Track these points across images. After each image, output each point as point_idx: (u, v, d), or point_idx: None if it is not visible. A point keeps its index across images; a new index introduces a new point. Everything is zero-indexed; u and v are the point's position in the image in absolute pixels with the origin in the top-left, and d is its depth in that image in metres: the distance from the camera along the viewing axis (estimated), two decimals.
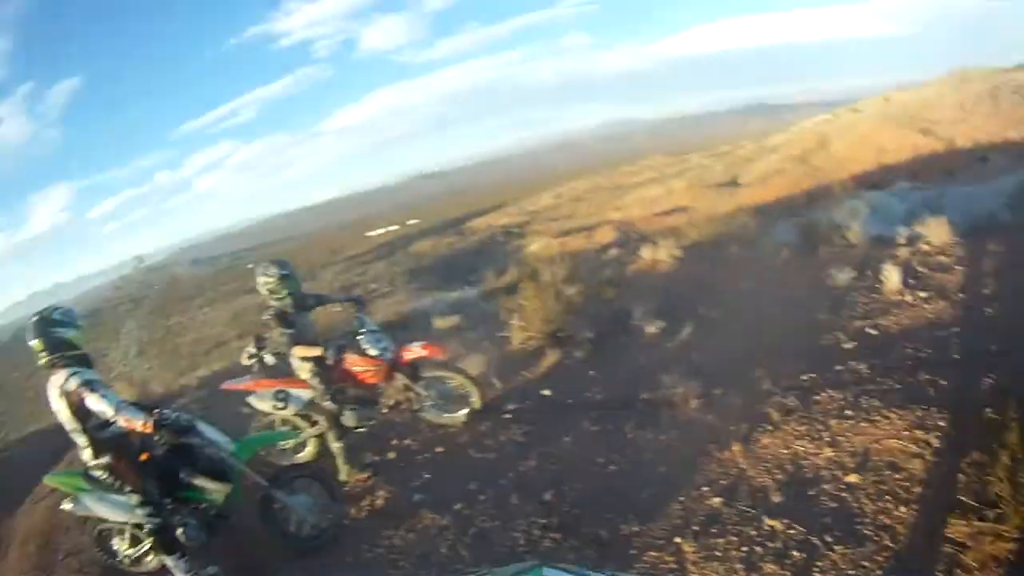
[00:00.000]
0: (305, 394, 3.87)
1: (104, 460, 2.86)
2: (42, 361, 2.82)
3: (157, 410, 2.75)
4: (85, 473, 3.08)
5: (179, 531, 2.95)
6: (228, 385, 4.27)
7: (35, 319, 2.85)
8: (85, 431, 2.82)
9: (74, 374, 2.71)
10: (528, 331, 5.13)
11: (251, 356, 6.37)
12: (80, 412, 2.75)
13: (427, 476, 3.57)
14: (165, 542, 2.90)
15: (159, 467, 2.98)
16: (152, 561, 3.27)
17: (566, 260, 6.35)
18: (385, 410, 4.07)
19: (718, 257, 6.17)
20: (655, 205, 16.46)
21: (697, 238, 6.89)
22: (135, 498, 2.88)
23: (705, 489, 2.83)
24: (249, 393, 4.05)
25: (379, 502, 3.48)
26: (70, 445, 6.40)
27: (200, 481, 2.99)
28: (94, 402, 2.65)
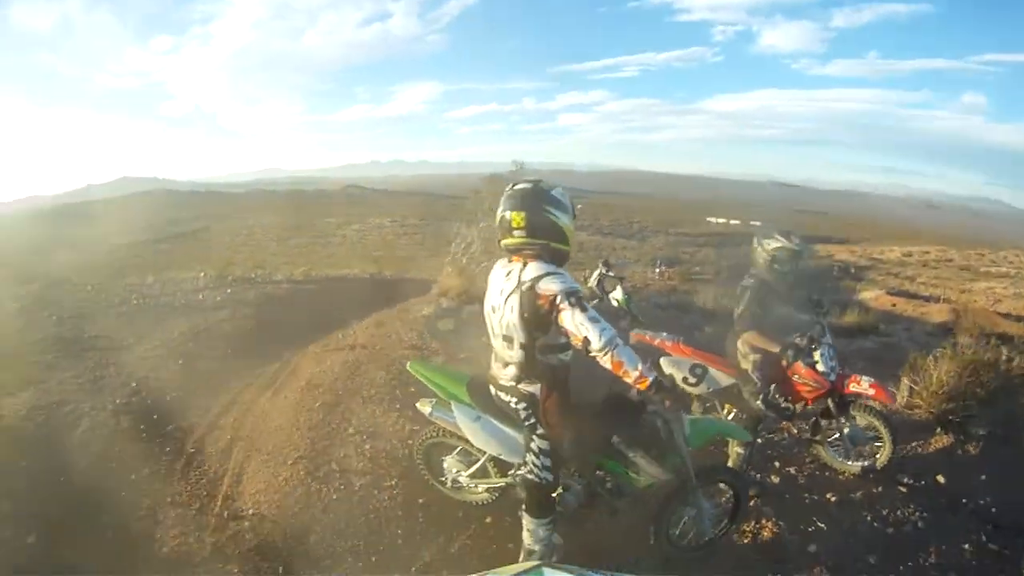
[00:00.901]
0: (725, 379, 3.43)
1: (530, 388, 2.24)
2: (513, 239, 2.13)
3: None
4: (474, 383, 2.51)
5: (557, 493, 2.38)
6: (640, 335, 3.80)
7: (527, 187, 2.16)
8: (526, 346, 2.16)
9: (557, 276, 2.04)
10: (917, 396, 4.50)
11: (598, 280, 6.06)
12: (537, 322, 2.08)
13: (821, 525, 3.12)
14: (541, 500, 2.33)
15: (591, 421, 2.36)
16: (480, 495, 2.80)
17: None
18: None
19: None
20: (1000, 304, 15.29)
21: None
22: (540, 443, 2.26)
23: None
24: (662, 353, 3.58)
25: (765, 533, 3.03)
26: (372, 299, 7.03)
27: (636, 456, 2.33)
28: (575, 322, 1.97)
